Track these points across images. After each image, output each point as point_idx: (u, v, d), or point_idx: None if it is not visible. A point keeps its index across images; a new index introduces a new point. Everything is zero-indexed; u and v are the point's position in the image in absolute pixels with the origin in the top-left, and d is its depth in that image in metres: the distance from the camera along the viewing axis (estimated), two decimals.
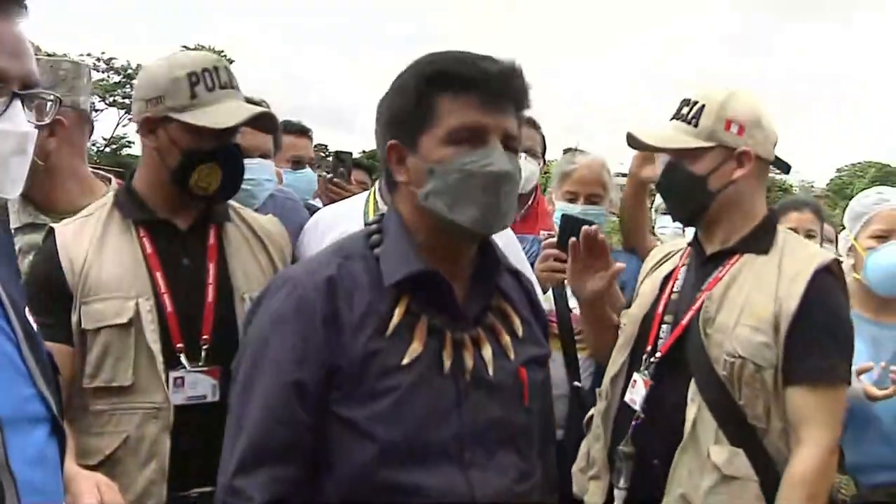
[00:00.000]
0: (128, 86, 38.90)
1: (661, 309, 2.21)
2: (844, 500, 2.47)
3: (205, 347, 2.03)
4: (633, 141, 2.27)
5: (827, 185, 56.19)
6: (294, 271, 1.63)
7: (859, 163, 60.26)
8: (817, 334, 2.00)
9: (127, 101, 38.74)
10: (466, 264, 1.62)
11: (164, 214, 2.11)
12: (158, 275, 2.04)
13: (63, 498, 1.47)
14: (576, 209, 3.02)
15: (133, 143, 38.66)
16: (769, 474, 1.99)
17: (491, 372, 1.57)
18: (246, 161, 2.76)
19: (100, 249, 2.04)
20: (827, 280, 2.05)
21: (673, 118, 2.19)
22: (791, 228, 3.44)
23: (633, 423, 2.12)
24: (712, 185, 2.13)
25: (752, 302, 2.05)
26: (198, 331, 2.04)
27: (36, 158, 2.18)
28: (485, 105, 1.52)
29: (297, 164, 3.80)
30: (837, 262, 2.13)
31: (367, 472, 1.47)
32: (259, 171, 2.88)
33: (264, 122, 2.13)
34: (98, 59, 38.98)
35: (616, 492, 2.11)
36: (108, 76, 39.50)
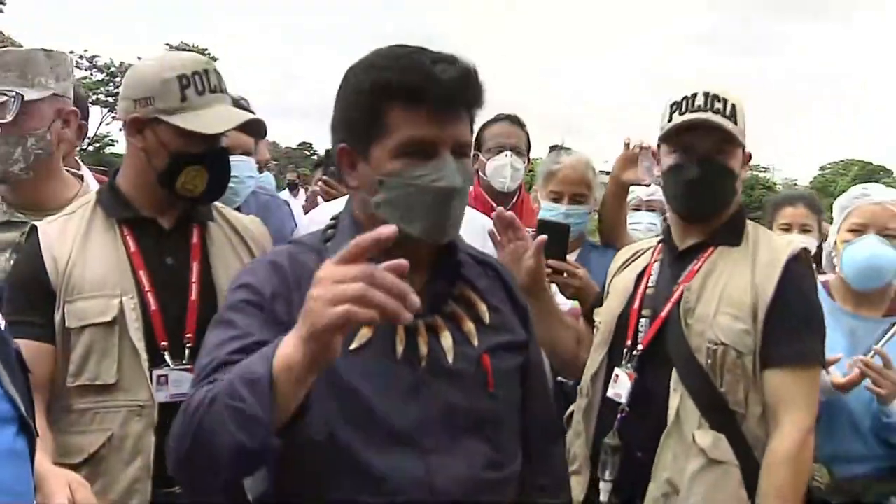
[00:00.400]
0: (111, 84, 38.76)
1: (637, 304, 2.25)
2: (819, 487, 2.49)
3: (188, 346, 2.03)
4: (696, 126, 2.18)
5: (810, 182, 56.56)
6: (254, 263, 1.69)
7: (843, 160, 60.68)
8: (793, 319, 2.09)
9: (110, 99, 38.62)
10: (424, 255, 1.60)
11: (147, 213, 2.11)
12: (142, 273, 2.04)
13: (34, 497, 1.47)
14: (560, 209, 3.04)
15: (116, 141, 38.48)
16: (748, 460, 2.05)
17: (451, 359, 1.56)
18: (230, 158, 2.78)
19: (83, 248, 2.04)
20: (798, 268, 2.14)
21: (709, 111, 2.17)
22: (786, 223, 3.53)
23: (619, 416, 2.15)
24: (737, 184, 2.22)
25: (730, 291, 2.12)
26: (181, 329, 2.04)
27: (40, 152, 2.23)
28: (436, 116, 1.50)
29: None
30: (806, 251, 2.21)
31: (323, 442, 1.45)
32: (241, 169, 2.89)
33: (253, 126, 2.15)
34: (81, 57, 38.74)
35: (602, 484, 2.14)
36: (91, 74, 39.27)
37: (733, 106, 2.18)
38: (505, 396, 1.64)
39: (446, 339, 1.57)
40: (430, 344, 1.55)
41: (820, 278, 2.82)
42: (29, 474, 1.43)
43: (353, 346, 1.49)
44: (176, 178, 2.04)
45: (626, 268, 2.40)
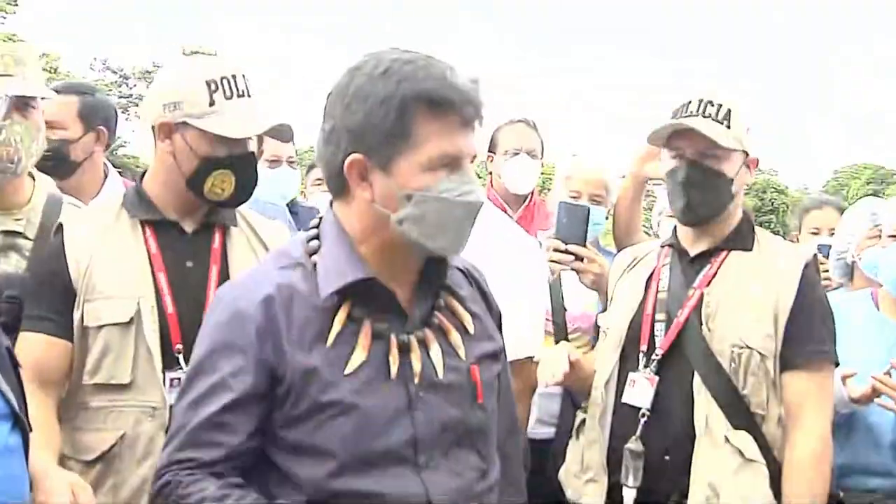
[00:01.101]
0: (123, 86, 38.90)
1: (650, 309, 2.24)
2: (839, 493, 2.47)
3: None
4: (657, 136, 2.23)
5: (823, 187, 56.35)
6: (233, 287, 1.60)
7: (855, 165, 60.41)
8: (811, 322, 2.14)
9: (123, 100, 38.72)
10: (412, 267, 1.58)
11: (172, 216, 2.12)
12: (161, 276, 2.04)
13: (28, 491, 1.48)
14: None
15: (128, 143, 38.63)
16: (770, 460, 2.10)
17: (441, 373, 1.54)
18: None
19: (106, 248, 2.05)
20: (812, 274, 2.20)
21: (699, 115, 2.18)
22: (815, 228, 3.53)
23: (642, 421, 2.15)
24: (735, 189, 2.22)
25: (752, 296, 2.16)
26: (196, 333, 2.03)
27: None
28: (462, 129, 1.48)
29: (275, 162, 3.80)
30: (815, 257, 2.28)
31: (321, 485, 1.46)
32: None
33: (280, 131, 2.15)
34: (94, 59, 39.02)
35: (626, 491, 2.13)
36: (105, 76, 39.46)
37: (728, 110, 2.18)
38: (490, 406, 1.64)
39: (436, 353, 1.55)
40: (422, 359, 1.54)
41: (869, 288, 2.83)
42: (23, 469, 1.44)
43: (347, 371, 1.48)
44: (204, 181, 2.05)
45: (629, 272, 2.39)
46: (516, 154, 3.50)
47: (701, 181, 2.18)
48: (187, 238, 2.12)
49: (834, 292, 2.98)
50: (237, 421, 1.46)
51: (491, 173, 3.64)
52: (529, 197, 3.55)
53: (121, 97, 38.87)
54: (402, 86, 1.44)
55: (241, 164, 2.09)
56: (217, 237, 2.14)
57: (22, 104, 2.19)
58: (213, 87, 2.03)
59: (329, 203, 1.60)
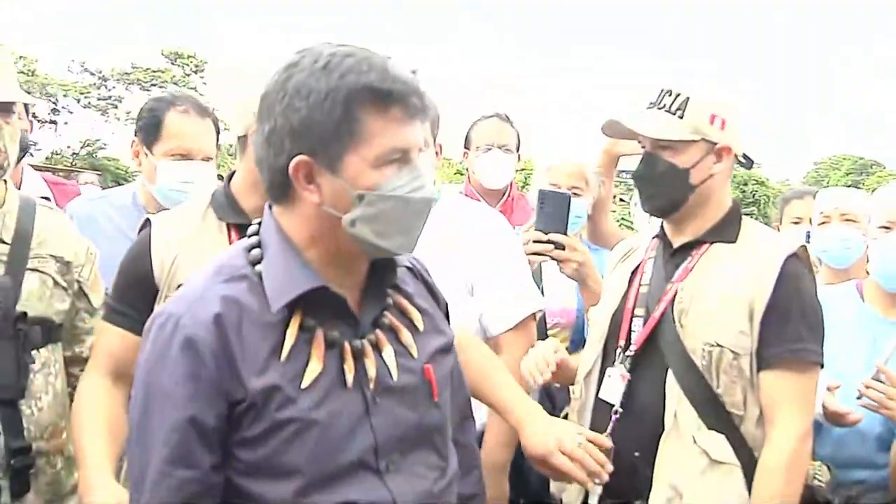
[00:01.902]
0: (102, 88, 38.58)
1: (630, 303, 2.20)
2: (820, 486, 2.45)
3: None
4: (612, 128, 2.23)
5: (803, 178, 56.69)
6: (176, 305, 1.45)
7: (835, 156, 60.82)
8: (790, 319, 2.04)
9: (102, 102, 38.44)
10: (360, 269, 1.53)
11: (256, 219, 2.10)
12: None
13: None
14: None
15: (107, 145, 38.35)
16: (748, 461, 2.02)
17: (395, 375, 1.51)
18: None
19: (191, 246, 2.10)
20: (796, 266, 2.08)
21: (653, 107, 2.15)
22: (797, 217, 3.53)
23: (613, 417, 2.12)
24: (693, 179, 2.13)
25: (727, 291, 2.07)
26: None
27: None
28: (409, 121, 1.43)
29: None
30: (804, 248, 2.16)
31: (291, 488, 1.40)
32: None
33: None
34: (72, 61, 38.60)
35: (592, 487, 2.09)
36: (83, 78, 39.10)
37: (686, 99, 2.11)
38: (445, 402, 1.61)
39: (389, 355, 1.51)
40: (376, 363, 1.49)
41: (854, 280, 2.81)
42: None
43: (305, 385, 1.42)
44: None
45: (620, 264, 2.35)
46: (489, 149, 3.54)
47: (651, 174, 2.15)
48: None
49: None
50: (203, 458, 1.39)
51: (468, 169, 3.66)
52: (507, 192, 3.54)
53: (100, 99, 38.57)
54: (346, 79, 1.38)
55: None
56: None
57: (3, 109, 2.16)
58: None
59: (267, 207, 1.54)
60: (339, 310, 1.49)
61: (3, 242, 2.19)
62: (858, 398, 2.39)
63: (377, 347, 1.50)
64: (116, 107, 37.92)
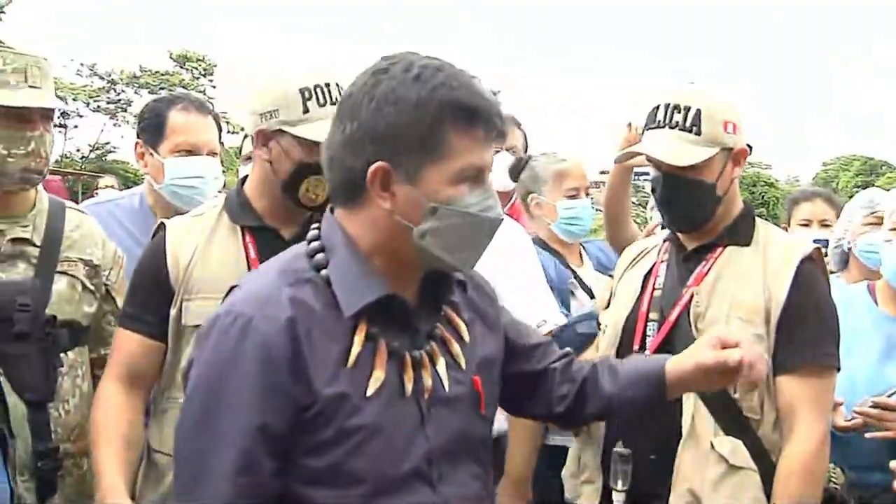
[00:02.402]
0: (111, 91, 38.69)
1: (644, 307, 2.19)
2: (836, 488, 2.45)
3: None
4: (627, 155, 2.23)
5: (813, 179, 56.47)
6: (244, 304, 1.42)
7: (844, 156, 60.54)
8: (806, 323, 2.03)
9: (111, 106, 38.54)
10: (416, 279, 1.54)
11: (270, 222, 2.18)
12: None
13: (8, 493, 1.46)
14: (586, 203, 3.10)
15: (118, 148, 38.47)
16: (766, 465, 2.02)
17: (447, 386, 1.51)
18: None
19: (206, 249, 2.12)
20: (811, 268, 2.08)
21: (665, 126, 2.11)
22: (805, 220, 3.50)
23: (628, 423, 2.11)
24: (720, 190, 2.13)
25: (742, 295, 2.07)
26: None
27: None
28: (486, 141, 1.44)
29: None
30: (819, 251, 2.15)
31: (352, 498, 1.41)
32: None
33: None
34: (82, 64, 38.72)
35: (615, 495, 2.10)
36: (92, 82, 39.22)
37: (697, 112, 2.08)
38: (492, 415, 1.63)
39: (441, 366, 1.52)
40: (432, 374, 1.50)
41: (866, 281, 2.79)
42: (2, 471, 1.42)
43: (369, 393, 1.42)
44: (298, 187, 2.10)
45: (632, 267, 2.34)
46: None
47: (679, 195, 2.13)
48: (285, 245, 2.15)
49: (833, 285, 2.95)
50: (266, 465, 1.37)
51: None
52: (514, 194, 3.54)
53: (109, 103, 38.69)
54: (437, 92, 1.38)
55: None
56: None
57: (45, 117, 2.21)
58: (307, 94, 2.08)
59: (329, 211, 1.53)
60: (401, 319, 1.49)
61: (34, 245, 2.22)
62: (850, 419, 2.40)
63: (432, 359, 1.51)
64: (126, 110, 38.01)
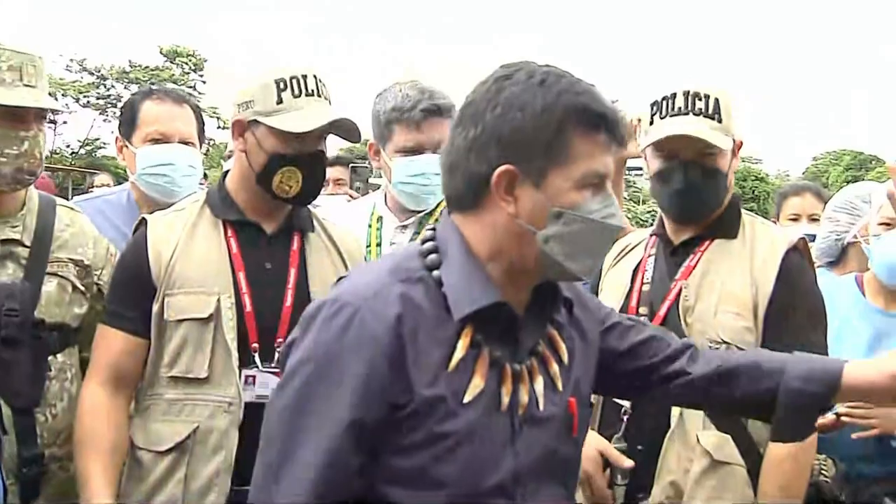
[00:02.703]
0: (101, 87, 38.56)
1: (634, 302, 2.20)
2: (826, 481, 2.46)
3: (278, 350, 2.08)
4: (676, 142, 2.12)
5: (803, 173, 56.70)
6: (352, 296, 1.39)
7: (834, 151, 60.77)
8: (793, 313, 2.04)
9: (101, 101, 38.42)
10: (527, 291, 1.50)
11: (252, 216, 2.18)
12: (241, 274, 2.10)
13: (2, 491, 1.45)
14: None
15: (108, 144, 38.30)
16: (755, 459, 2.02)
17: (542, 405, 1.47)
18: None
19: (188, 244, 2.11)
20: (797, 259, 2.10)
21: (689, 113, 2.11)
22: (794, 214, 3.51)
23: (624, 419, 2.12)
24: (729, 180, 2.16)
25: (730, 287, 2.07)
26: (273, 333, 2.10)
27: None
28: (608, 149, 1.42)
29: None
30: (804, 241, 2.16)
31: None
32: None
33: (343, 129, 2.17)
34: (71, 60, 38.57)
35: (616, 489, 2.11)
36: (82, 77, 39.05)
37: (716, 101, 2.10)
38: (582, 439, 1.60)
39: (539, 385, 1.49)
40: (529, 390, 1.47)
41: (854, 273, 2.80)
42: None
43: (466, 400, 1.38)
44: (272, 178, 2.10)
45: (618, 262, 2.34)
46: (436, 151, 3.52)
47: (701, 183, 2.12)
48: (267, 239, 2.18)
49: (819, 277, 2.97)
50: (353, 461, 1.34)
51: None
52: None
53: (98, 98, 38.58)
54: (563, 98, 1.38)
55: (308, 162, 2.13)
56: (296, 241, 2.21)
57: (41, 116, 2.20)
58: (281, 85, 2.10)
59: (446, 214, 1.50)
60: (507, 330, 1.46)
61: (23, 245, 2.19)
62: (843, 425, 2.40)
63: (531, 375, 1.47)
64: (115, 106, 37.87)
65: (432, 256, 1.45)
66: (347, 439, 1.33)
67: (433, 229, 1.50)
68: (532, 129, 1.37)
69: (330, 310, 1.38)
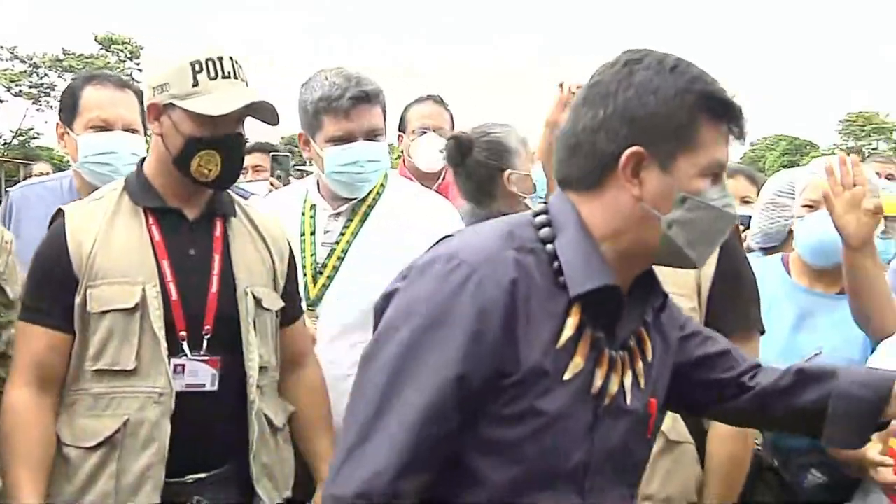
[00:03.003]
0: (34, 75, 37.67)
1: None
2: (758, 448, 2.50)
3: (206, 337, 2.04)
4: None
5: (741, 158, 57.85)
6: (469, 255, 1.35)
7: (771, 136, 62.09)
8: (734, 291, 2.11)
9: (33, 90, 37.54)
10: (631, 279, 1.48)
11: (172, 203, 2.12)
12: (165, 262, 2.05)
13: None
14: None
15: (42, 134, 37.43)
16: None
17: (628, 399, 1.45)
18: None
19: (109, 233, 2.05)
20: (731, 238, 2.11)
21: None
22: None
23: None
24: None
25: (674, 270, 2.10)
26: (200, 320, 2.05)
27: None
28: (731, 140, 1.43)
29: None
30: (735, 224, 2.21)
31: (499, 494, 1.35)
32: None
33: (262, 112, 2.13)
34: (1, 48, 37.58)
35: None
36: (13, 65, 38.09)
37: None
38: (654, 440, 1.59)
39: (628, 378, 1.45)
40: (619, 381, 1.43)
41: (780, 254, 2.85)
42: None
43: (567, 377, 1.36)
44: (190, 161, 2.05)
45: None
46: (424, 132, 3.55)
47: None
48: (189, 226, 2.13)
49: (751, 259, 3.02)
50: (453, 419, 1.31)
51: (402, 152, 3.70)
52: (442, 174, 3.55)
53: (31, 87, 37.68)
54: (696, 85, 1.38)
55: (226, 144, 2.08)
56: (218, 226, 2.15)
57: None
58: (196, 68, 2.04)
59: (559, 190, 1.48)
60: (610, 314, 1.43)
61: None
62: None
63: (624, 367, 1.45)
64: (49, 94, 37.06)
65: (547, 230, 1.43)
66: (452, 395, 1.30)
67: (545, 202, 1.48)
68: (665, 112, 1.37)
69: (446, 266, 1.34)
